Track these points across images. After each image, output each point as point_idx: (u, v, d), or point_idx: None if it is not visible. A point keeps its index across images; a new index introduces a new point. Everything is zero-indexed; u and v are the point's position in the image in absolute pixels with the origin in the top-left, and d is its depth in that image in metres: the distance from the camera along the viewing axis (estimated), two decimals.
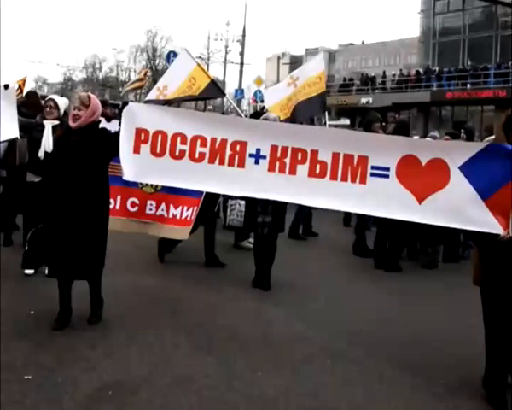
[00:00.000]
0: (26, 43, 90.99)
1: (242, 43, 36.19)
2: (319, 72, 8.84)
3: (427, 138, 8.63)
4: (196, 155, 4.21)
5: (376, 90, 35.10)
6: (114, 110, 9.72)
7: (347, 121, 33.13)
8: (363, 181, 3.96)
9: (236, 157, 4.16)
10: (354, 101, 34.81)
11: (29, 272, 5.49)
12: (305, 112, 8.73)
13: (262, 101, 17.81)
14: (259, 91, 24.93)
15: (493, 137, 5.04)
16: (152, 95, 7.55)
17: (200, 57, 33.76)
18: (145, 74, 13.84)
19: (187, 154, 4.22)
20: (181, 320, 4.80)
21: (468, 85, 29.78)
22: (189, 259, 6.77)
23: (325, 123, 9.36)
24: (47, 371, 3.67)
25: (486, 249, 3.70)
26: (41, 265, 4.91)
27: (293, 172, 4.09)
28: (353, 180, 3.97)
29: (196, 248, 6.71)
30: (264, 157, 4.12)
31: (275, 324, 4.92)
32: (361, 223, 7.86)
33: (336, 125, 21.82)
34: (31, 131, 5.66)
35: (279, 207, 5.65)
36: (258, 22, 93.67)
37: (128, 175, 4.36)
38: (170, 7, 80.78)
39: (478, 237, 3.79)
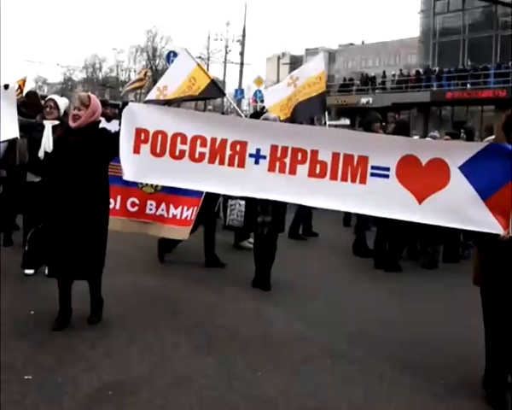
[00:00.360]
0: (26, 43, 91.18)
1: (242, 43, 36.23)
2: (319, 72, 8.84)
3: (427, 138, 8.63)
4: (196, 155, 4.21)
5: (376, 90, 35.10)
6: (114, 110, 9.71)
7: (347, 121, 33.12)
8: (363, 181, 3.95)
9: (236, 157, 4.16)
10: (354, 101, 34.80)
11: (29, 272, 5.49)
12: (305, 112, 8.73)
13: (262, 101, 17.80)
14: (259, 91, 24.92)
15: (493, 137, 5.04)
16: (152, 95, 7.55)
17: (200, 57, 33.76)
18: (145, 74, 13.84)
19: (187, 154, 4.22)
20: (181, 320, 4.80)
21: (468, 85, 29.78)
22: (189, 259, 6.77)
23: (325, 123, 9.36)
24: (47, 371, 3.67)
25: (486, 249, 3.70)
26: (41, 265, 4.91)
27: (293, 172, 4.09)
28: (353, 180, 3.97)
29: (196, 248, 6.71)
30: (264, 157, 4.12)
31: (275, 324, 4.92)
32: (361, 223, 7.86)
33: (336, 125, 21.81)
34: (31, 131, 5.66)
35: (279, 207, 5.65)
36: (258, 22, 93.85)
37: (128, 175, 4.36)
38: (170, 7, 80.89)
39: (478, 237, 3.79)
